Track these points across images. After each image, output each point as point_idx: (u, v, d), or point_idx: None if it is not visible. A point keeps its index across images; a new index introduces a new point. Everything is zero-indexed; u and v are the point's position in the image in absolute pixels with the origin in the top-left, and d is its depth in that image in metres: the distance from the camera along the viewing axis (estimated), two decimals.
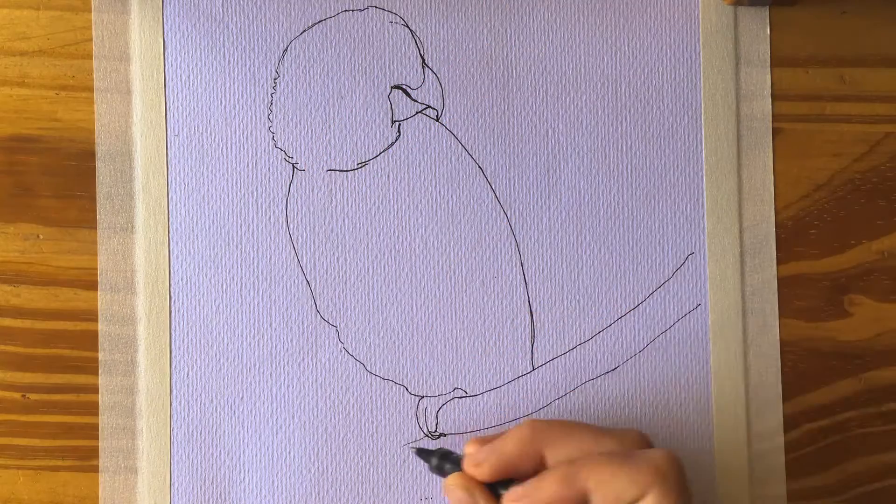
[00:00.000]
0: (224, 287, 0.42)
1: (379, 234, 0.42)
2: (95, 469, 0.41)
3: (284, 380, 0.42)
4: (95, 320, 0.41)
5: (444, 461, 0.39)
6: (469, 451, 0.39)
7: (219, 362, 0.41)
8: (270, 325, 0.42)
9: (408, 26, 0.42)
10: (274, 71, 0.42)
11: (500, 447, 0.38)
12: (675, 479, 0.36)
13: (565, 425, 0.38)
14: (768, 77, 0.42)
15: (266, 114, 0.42)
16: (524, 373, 0.42)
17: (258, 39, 0.42)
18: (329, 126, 0.42)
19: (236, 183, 0.42)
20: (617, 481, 0.35)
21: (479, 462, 0.38)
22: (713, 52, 0.42)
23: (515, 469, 0.38)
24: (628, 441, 0.38)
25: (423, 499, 0.42)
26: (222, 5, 0.42)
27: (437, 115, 0.42)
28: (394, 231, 0.42)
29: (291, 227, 0.42)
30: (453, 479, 0.39)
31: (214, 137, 0.42)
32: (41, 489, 0.42)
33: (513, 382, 0.42)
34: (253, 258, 0.42)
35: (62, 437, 0.42)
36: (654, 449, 0.37)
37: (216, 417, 0.41)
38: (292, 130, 0.42)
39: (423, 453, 0.40)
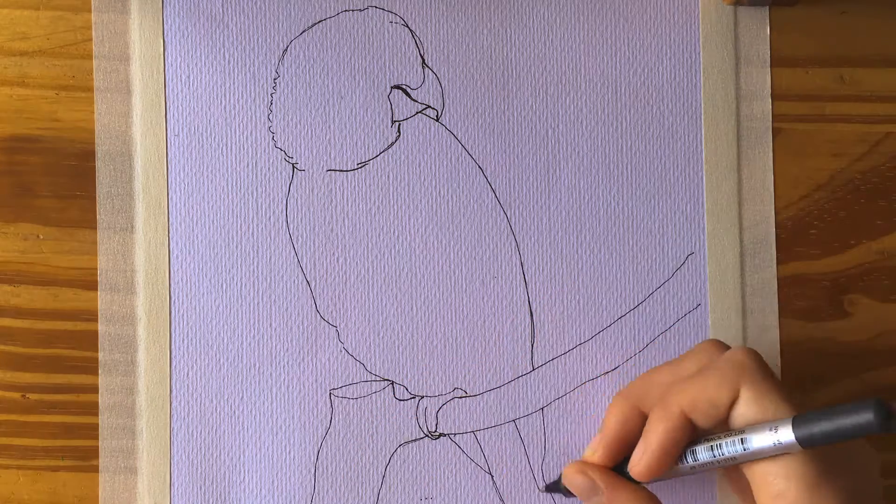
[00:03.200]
0: (224, 287, 0.42)
1: (379, 234, 0.42)
2: (95, 469, 0.41)
3: (284, 380, 0.42)
4: (95, 320, 0.41)
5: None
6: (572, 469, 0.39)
7: (219, 362, 0.41)
8: (270, 325, 0.42)
9: (408, 26, 0.42)
10: (274, 71, 0.42)
11: (603, 429, 0.38)
12: (760, 369, 0.36)
13: (644, 377, 0.39)
14: (768, 77, 0.42)
15: (266, 114, 0.42)
16: (524, 373, 0.42)
17: (258, 39, 0.42)
18: (329, 126, 0.42)
19: (236, 183, 0.42)
20: (706, 392, 0.36)
21: (593, 450, 0.38)
22: (713, 52, 0.42)
23: (629, 440, 0.38)
24: (705, 356, 0.38)
25: (423, 499, 0.42)
26: (222, 5, 0.42)
27: (437, 115, 0.42)
28: (394, 231, 0.42)
29: (291, 227, 0.42)
30: (570, 467, 0.39)
31: (214, 137, 0.42)
32: (41, 489, 0.42)
33: (513, 382, 0.42)
34: (253, 258, 0.42)
35: (62, 437, 0.42)
36: (730, 350, 0.37)
37: (216, 417, 0.41)
38: (292, 130, 0.42)
39: (550, 487, 0.41)
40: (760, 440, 0.35)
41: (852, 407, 0.32)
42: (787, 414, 0.34)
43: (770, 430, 0.34)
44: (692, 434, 0.36)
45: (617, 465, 0.38)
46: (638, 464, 0.37)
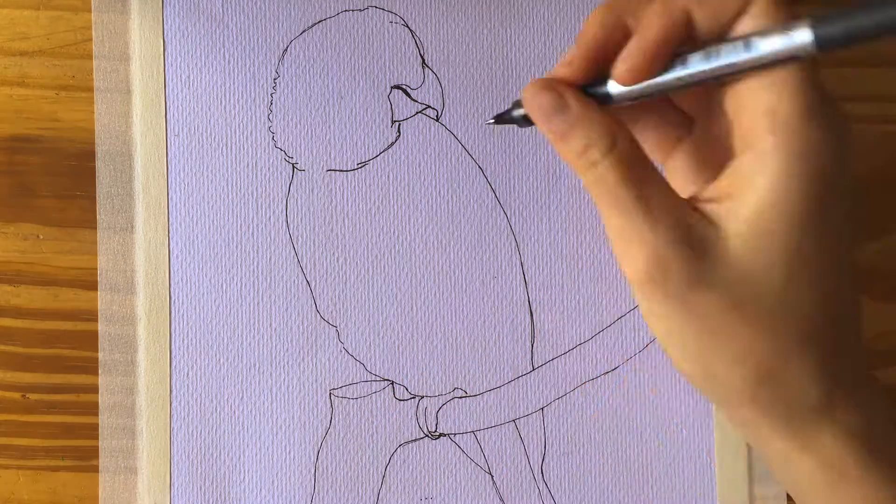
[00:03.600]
0: (224, 287, 0.42)
1: (379, 234, 0.42)
2: (95, 469, 0.41)
3: (284, 380, 0.42)
4: (95, 320, 0.41)
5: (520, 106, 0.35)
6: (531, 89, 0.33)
7: (219, 362, 0.41)
8: (270, 325, 0.42)
9: (408, 26, 0.42)
10: (274, 71, 0.42)
11: (578, 40, 0.33)
12: None
13: None
14: None
15: (266, 114, 0.42)
16: (524, 373, 0.42)
17: (258, 39, 0.42)
18: (329, 126, 0.42)
19: (236, 183, 0.42)
20: None
21: (570, 60, 0.33)
22: None
23: (608, 54, 0.32)
24: None
25: (423, 499, 0.42)
26: (222, 5, 0.42)
27: (437, 115, 0.42)
28: (394, 231, 0.42)
29: (291, 227, 0.42)
30: (534, 84, 0.33)
31: (214, 137, 0.42)
32: (41, 489, 0.42)
33: (513, 382, 0.42)
34: (253, 258, 0.42)
35: (62, 437, 0.42)
36: None
37: (216, 417, 0.41)
38: (292, 130, 0.42)
39: (501, 118, 0.35)
40: (769, 44, 0.30)
41: (881, 3, 0.29)
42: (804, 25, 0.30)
43: (782, 32, 0.30)
44: (685, 39, 0.32)
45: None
46: (625, 60, 0.32)
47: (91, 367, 0.41)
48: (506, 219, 0.42)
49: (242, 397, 0.41)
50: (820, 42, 0.30)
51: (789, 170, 0.30)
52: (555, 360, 0.42)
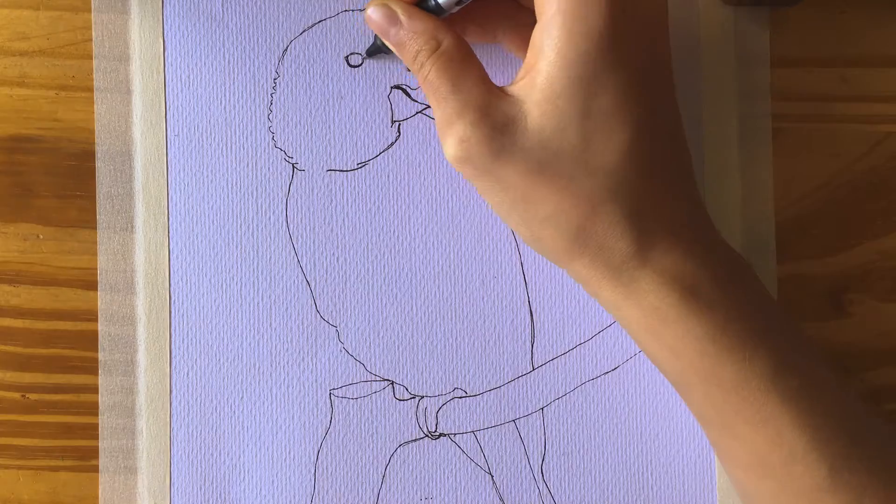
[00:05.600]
0: (224, 287, 0.42)
1: (379, 234, 0.42)
2: (95, 469, 0.41)
3: (284, 380, 0.42)
4: (95, 320, 0.41)
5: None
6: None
7: (219, 362, 0.41)
8: (270, 325, 0.42)
9: None
10: (274, 71, 0.42)
11: None
12: None
13: None
14: (768, 77, 0.42)
15: (266, 114, 0.42)
16: (524, 373, 0.42)
17: (258, 39, 0.42)
18: (329, 126, 0.42)
19: (236, 183, 0.42)
20: None
21: None
22: (713, 52, 0.42)
23: None
24: None
25: (423, 499, 0.42)
26: (222, 5, 0.42)
27: None
28: (394, 231, 0.42)
29: (291, 227, 0.42)
30: (370, 4, 0.37)
31: (214, 137, 0.42)
32: (41, 489, 0.42)
33: (513, 382, 0.42)
34: (253, 258, 0.42)
35: (62, 437, 0.42)
36: None
37: (216, 417, 0.41)
38: (292, 130, 0.42)
39: (370, 50, 0.41)
40: None
41: None
42: None
43: None
44: None
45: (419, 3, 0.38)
46: None
47: (91, 367, 0.41)
48: None
49: (242, 397, 0.41)
50: None
51: (570, 33, 0.33)
52: (555, 360, 0.42)
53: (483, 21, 0.39)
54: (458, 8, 0.37)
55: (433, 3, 0.37)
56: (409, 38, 0.36)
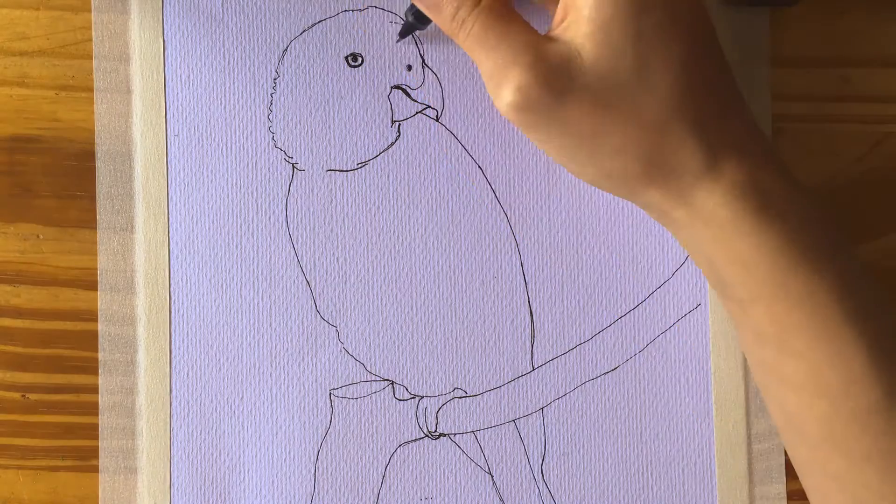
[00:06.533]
0: (224, 287, 0.42)
1: (379, 234, 0.42)
2: (95, 469, 0.41)
3: (284, 380, 0.42)
4: (95, 320, 0.41)
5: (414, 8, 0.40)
6: None
7: (219, 362, 0.41)
8: (270, 325, 0.42)
9: None
10: (274, 71, 0.42)
11: None
12: None
13: None
14: (768, 77, 0.42)
15: (266, 114, 0.42)
16: (524, 373, 0.42)
17: (258, 39, 0.42)
18: (329, 126, 0.42)
19: (236, 183, 0.42)
20: None
21: None
22: None
23: None
24: None
25: (423, 499, 0.42)
26: (222, 5, 0.42)
27: (437, 115, 0.42)
28: (394, 231, 0.42)
29: (291, 227, 0.42)
30: None
31: (214, 137, 0.42)
32: (41, 489, 0.42)
33: (513, 382, 0.42)
34: (253, 258, 0.42)
35: (62, 437, 0.42)
36: None
37: (216, 417, 0.41)
38: (292, 130, 0.42)
39: (404, 30, 0.41)
40: None
41: None
42: None
43: None
44: None
45: None
46: None
47: (91, 367, 0.41)
48: (506, 219, 0.42)
49: (242, 397, 0.41)
50: None
51: None
52: (555, 360, 0.42)
53: None
54: None
55: None
56: None
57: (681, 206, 0.35)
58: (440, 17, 0.36)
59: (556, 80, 0.34)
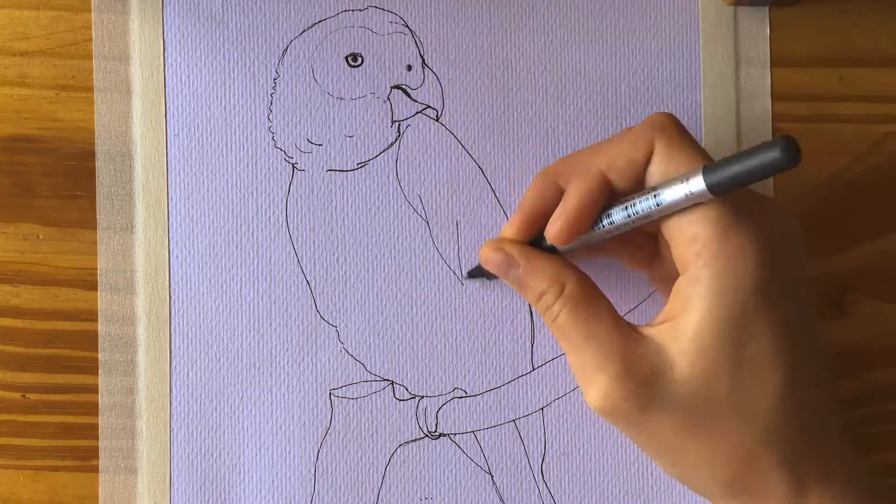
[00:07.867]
0: (224, 287, 0.42)
1: (379, 234, 0.42)
2: (95, 469, 0.41)
3: (284, 380, 0.42)
4: (95, 320, 0.41)
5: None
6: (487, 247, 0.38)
7: (219, 362, 0.41)
8: (270, 325, 0.42)
9: (408, 26, 0.42)
10: (274, 71, 0.42)
11: (520, 205, 0.38)
12: (675, 126, 0.35)
13: (566, 157, 0.38)
14: (768, 77, 0.42)
15: (266, 114, 0.42)
16: (524, 373, 0.42)
17: (258, 39, 0.42)
18: (329, 126, 0.42)
19: (236, 183, 0.42)
20: (622, 150, 0.35)
21: (510, 225, 0.38)
22: (713, 52, 0.42)
23: (546, 213, 0.37)
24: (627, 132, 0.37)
25: (423, 499, 0.42)
26: (222, 5, 0.42)
27: (437, 115, 0.42)
28: (394, 231, 0.42)
29: (291, 227, 0.42)
30: (485, 246, 0.38)
31: (214, 137, 0.42)
32: (41, 489, 0.42)
33: (513, 382, 0.42)
34: (253, 258, 0.42)
35: (62, 437, 0.42)
36: (650, 115, 0.37)
37: (216, 417, 0.41)
38: (292, 130, 0.42)
39: (472, 273, 0.41)
40: (672, 193, 0.34)
41: (760, 147, 0.31)
42: (700, 165, 0.34)
43: (681, 181, 0.34)
44: (610, 196, 0.36)
45: (536, 241, 0.38)
46: (554, 224, 0.36)
47: (91, 367, 0.41)
48: (506, 219, 0.42)
49: (242, 397, 0.41)
50: (712, 188, 0.33)
51: (718, 288, 0.33)
52: (555, 360, 0.42)
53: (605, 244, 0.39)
54: (571, 249, 0.37)
55: (549, 244, 0.37)
56: (532, 278, 0.36)
57: None
58: (526, 295, 0.37)
59: (642, 395, 0.34)
